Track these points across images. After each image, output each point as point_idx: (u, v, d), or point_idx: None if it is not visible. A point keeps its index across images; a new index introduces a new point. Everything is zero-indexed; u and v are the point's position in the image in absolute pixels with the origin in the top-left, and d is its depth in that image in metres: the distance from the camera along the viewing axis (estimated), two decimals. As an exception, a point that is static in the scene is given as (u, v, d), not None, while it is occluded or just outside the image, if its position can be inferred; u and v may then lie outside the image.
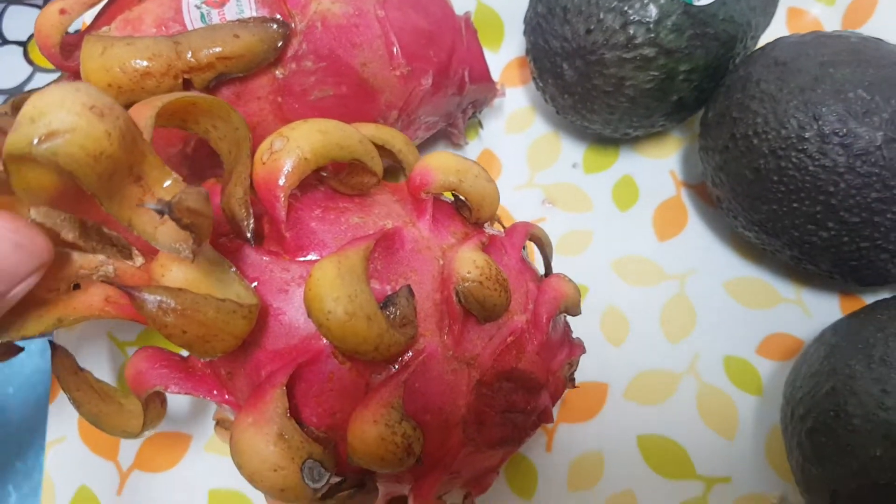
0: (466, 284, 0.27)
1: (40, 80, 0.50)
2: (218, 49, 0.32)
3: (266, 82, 0.34)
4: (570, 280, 0.32)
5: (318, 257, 0.27)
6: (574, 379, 0.33)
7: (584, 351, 0.33)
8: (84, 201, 0.25)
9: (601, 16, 0.37)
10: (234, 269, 0.26)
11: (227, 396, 0.27)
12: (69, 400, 0.29)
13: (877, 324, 0.32)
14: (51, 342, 0.30)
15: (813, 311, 0.41)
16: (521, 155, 0.47)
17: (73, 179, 0.21)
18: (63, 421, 0.36)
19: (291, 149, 0.26)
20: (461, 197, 0.30)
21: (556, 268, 0.34)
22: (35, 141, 0.20)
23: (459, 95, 0.41)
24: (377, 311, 0.24)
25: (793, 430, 0.33)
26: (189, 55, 0.31)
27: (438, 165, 0.30)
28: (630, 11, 0.37)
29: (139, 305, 0.23)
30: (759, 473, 0.38)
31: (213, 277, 0.25)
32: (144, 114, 0.24)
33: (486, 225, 0.32)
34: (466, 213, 0.31)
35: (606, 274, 0.43)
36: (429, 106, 0.39)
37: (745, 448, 0.38)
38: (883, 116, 0.33)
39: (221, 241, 0.27)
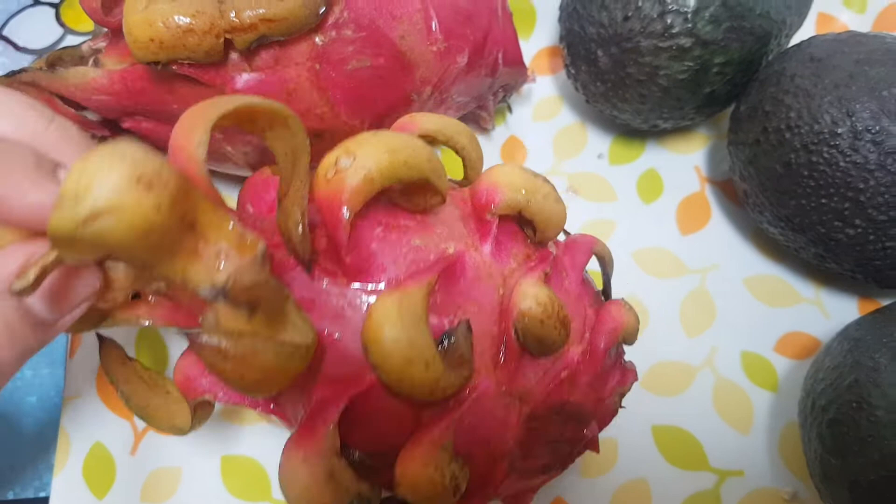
0: (526, 321, 0.26)
1: (71, 42, 0.50)
2: (262, 10, 0.32)
3: (305, 48, 0.34)
4: (629, 308, 0.31)
5: (377, 284, 0.25)
6: (621, 401, 0.32)
7: (636, 378, 0.32)
8: None
9: (639, 3, 0.38)
10: (291, 297, 0.24)
11: (272, 406, 0.27)
12: (118, 394, 0.28)
13: (902, 319, 0.32)
14: (98, 335, 0.29)
15: (831, 313, 0.41)
16: (546, 143, 0.47)
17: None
18: (81, 377, 0.36)
19: (357, 168, 0.24)
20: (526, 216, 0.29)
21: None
22: (80, 222, 0.18)
23: (492, 77, 0.41)
24: (435, 356, 0.23)
25: (812, 421, 0.33)
26: (232, 15, 0.32)
27: (506, 182, 0.28)
28: (669, 0, 0.37)
29: (197, 348, 0.22)
30: (772, 469, 0.38)
31: (275, 317, 0.23)
32: (199, 127, 0.23)
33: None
34: (530, 232, 0.29)
35: (627, 264, 0.43)
36: (462, 85, 0.39)
37: (759, 443, 0.38)
38: (916, 116, 0.33)
39: (277, 255, 0.26)
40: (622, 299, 0.31)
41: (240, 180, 0.38)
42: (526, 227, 0.29)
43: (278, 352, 0.22)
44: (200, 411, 0.28)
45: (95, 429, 0.36)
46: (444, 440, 0.25)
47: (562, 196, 0.44)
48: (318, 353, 0.25)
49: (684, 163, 0.46)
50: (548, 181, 0.29)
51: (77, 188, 0.18)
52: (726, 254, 0.43)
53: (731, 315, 0.41)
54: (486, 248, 0.28)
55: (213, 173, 0.26)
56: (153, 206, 0.19)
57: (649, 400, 0.39)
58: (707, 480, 0.37)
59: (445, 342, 0.25)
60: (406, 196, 0.27)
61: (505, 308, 0.27)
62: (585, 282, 0.31)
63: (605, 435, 0.38)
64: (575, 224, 0.44)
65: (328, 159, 0.25)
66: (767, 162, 0.37)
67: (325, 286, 0.25)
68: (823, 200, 0.35)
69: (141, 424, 0.37)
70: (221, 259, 0.21)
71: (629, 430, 0.39)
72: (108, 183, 0.18)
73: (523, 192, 0.28)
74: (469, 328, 0.25)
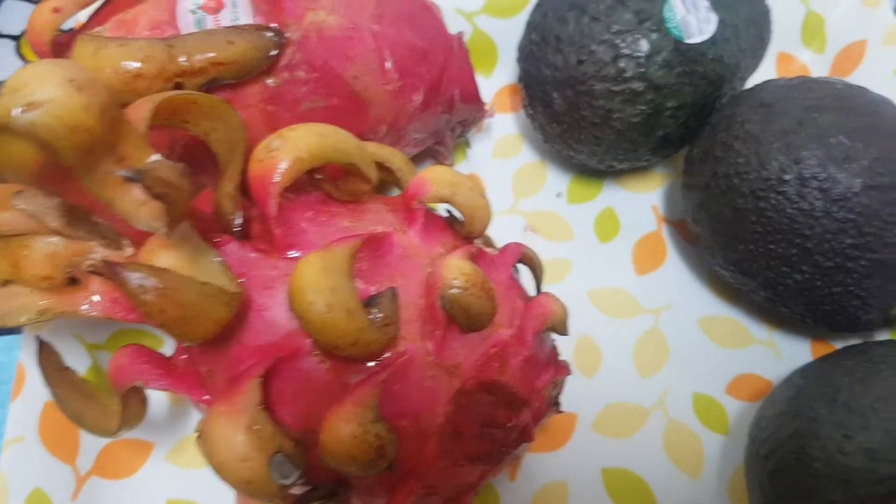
0: (451, 291, 0.27)
1: (30, 73, 0.50)
2: (212, 54, 0.32)
3: (257, 90, 0.34)
4: (558, 299, 0.32)
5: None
6: (559, 403, 0.33)
7: (569, 372, 0.33)
8: (71, 183, 0.25)
9: (593, 47, 0.38)
10: (219, 258, 0.26)
11: (205, 396, 0.27)
12: (53, 396, 0.28)
13: (843, 369, 0.32)
14: (38, 338, 0.30)
15: (784, 354, 0.42)
16: (506, 181, 0.47)
17: (53, 154, 0.21)
18: (23, 420, 0.36)
19: (288, 148, 0.26)
20: (454, 212, 0.31)
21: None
22: (14, 112, 0.20)
23: (449, 114, 0.41)
24: (358, 306, 0.24)
25: (755, 470, 0.33)
26: (182, 59, 0.31)
27: (433, 177, 0.30)
28: (622, 45, 0.37)
29: (121, 282, 0.23)
30: (722, 512, 0.38)
31: (199, 265, 0.25)
32: (143, 107, 0.24)
33: (480, 244, 0.32)
34: (458, 227, 0.31)
35: (583, 304, 0.43)
36: (418, 122, 0.39)
37: (708, 486, 0.38)
38: (862, 163, 0.34)
39: (212, 238, 0.27)
40: (550, 293, 0.32)
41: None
42: (455, 224, 0.31)
43: (200, 290, 0.24)
44: (131, 404, 0.28)
45: (36, 473, 0.35)
46: (369, 400, 0.25)
47: (520, 234, 0.45)
48: (247, 326, 0.26)
49: (641, 202, 0.46)
50: (472, 179, 0.31)
51: (16, 83, 0.21)
52: (681, 294, 0.43)
53: (685, 356, 0.42)
54: (414, 231, 0.29)
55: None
56: (82, 105, 0.21)
57: (600, 442, 0.39)
58: (657, 524, 0.37)
59: (372, 307, 0.25)
60: (336, 185, 0.29)
61: (432, 283, 0.27)
62: (514, 279, 0.32)
63: (554, 478, 0.38)
64: (532, 262, 0.44)
65: (262, 144, 0.27)
66: (717, 206, 0.37)
67: (255, 260, 0.27)
68: (771, 246, 0.36)
69: (84, 468, 0.37)
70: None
71: (579, 473, 0.38)
72: (43, 81, 0.21)
73: (449, 185, 0.30)
74: (395, 294, 0.26)
